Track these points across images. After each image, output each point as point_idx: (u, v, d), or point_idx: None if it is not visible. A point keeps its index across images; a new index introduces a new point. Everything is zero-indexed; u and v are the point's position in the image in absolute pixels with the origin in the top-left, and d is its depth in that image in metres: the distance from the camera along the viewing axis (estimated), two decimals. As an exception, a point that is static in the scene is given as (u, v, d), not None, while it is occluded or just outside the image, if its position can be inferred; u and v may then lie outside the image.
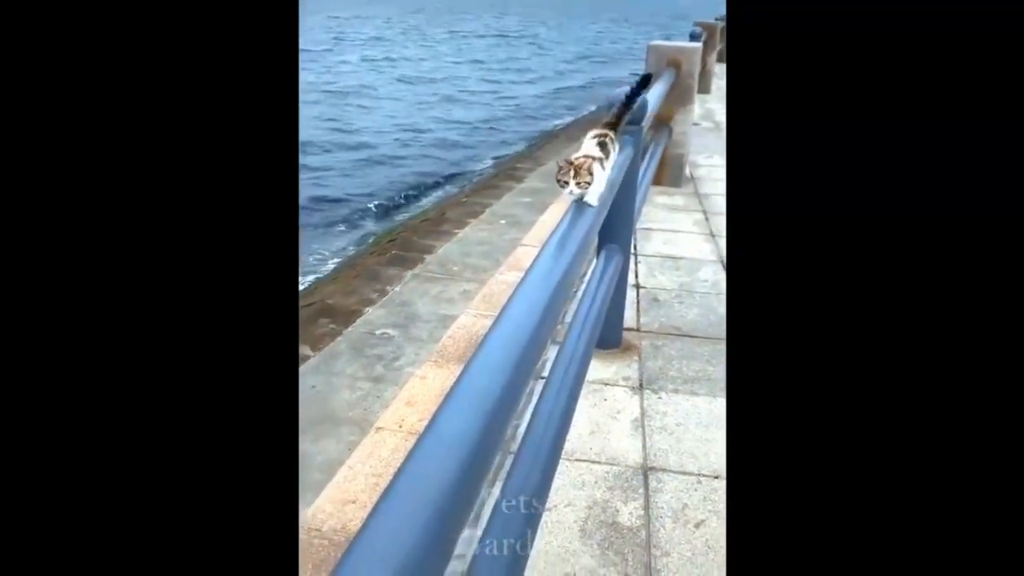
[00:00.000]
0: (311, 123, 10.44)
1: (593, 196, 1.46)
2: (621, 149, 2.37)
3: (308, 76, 14.86)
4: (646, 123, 2.50)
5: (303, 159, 8.30)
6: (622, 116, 1.77)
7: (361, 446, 2.06)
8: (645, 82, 1.82)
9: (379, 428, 2.15)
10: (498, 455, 0.87)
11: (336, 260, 5.41)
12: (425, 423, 2.23)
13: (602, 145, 1.56)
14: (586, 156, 1.47)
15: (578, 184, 1.41)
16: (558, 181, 1.44)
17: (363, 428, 2.22)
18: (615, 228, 2.35)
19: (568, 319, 1.98)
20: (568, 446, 2.00)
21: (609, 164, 1.59)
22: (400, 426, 2.15)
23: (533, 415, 1.42)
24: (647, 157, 3.71)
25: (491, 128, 11.20)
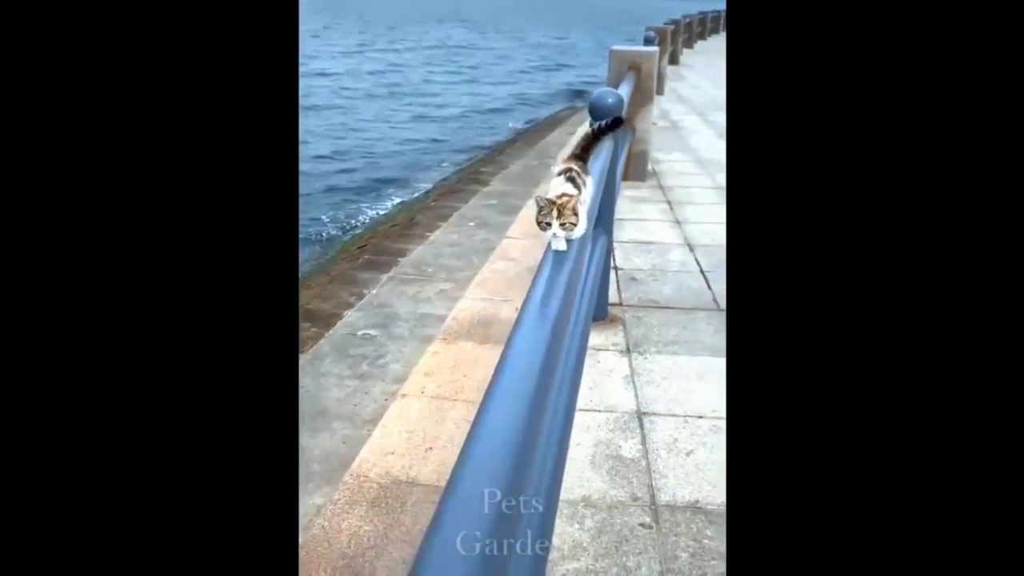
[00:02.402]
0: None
1: (561, 243, 1.33)
2: (597, 155, 2.67)
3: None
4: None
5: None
6: (589, 149, 1.63)
7: (390, 410, 2.33)
8: (616, 124, 1.69)
9: (404, 395, 2.42)
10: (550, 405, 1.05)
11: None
12: (443, 389, 2.61)
13: (571, 181, 1.42)
14: (566, 195, 1.35)
15: (563, 225, 1.30)
16: (539, 223, 1.32)
17: (355, 423, 2.37)
18: (602, 213, 2.68)
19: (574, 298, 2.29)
20: (572, 399, 2.31)
21: (585, 201, 1.47)
22: (423, 392, 2.43)
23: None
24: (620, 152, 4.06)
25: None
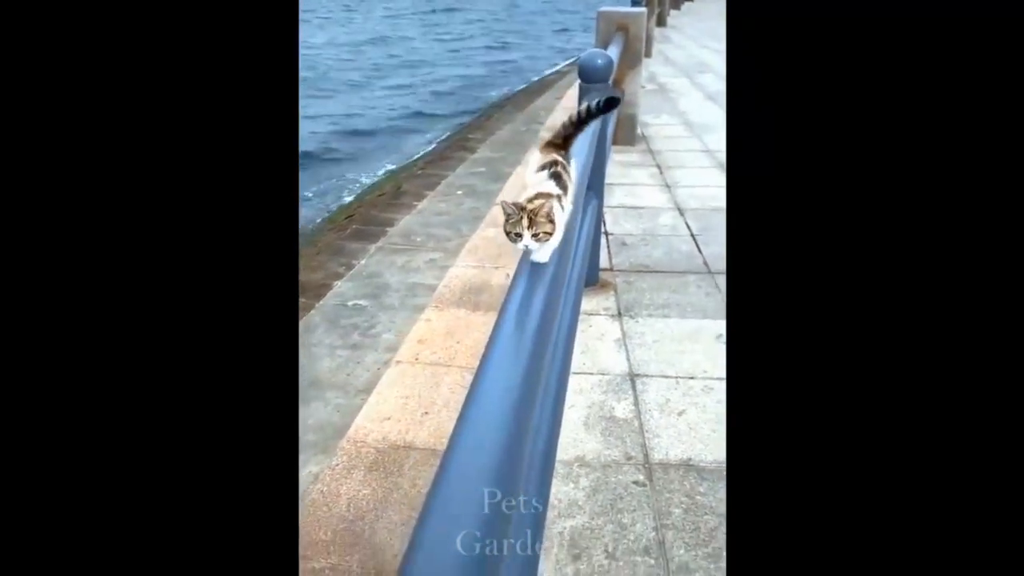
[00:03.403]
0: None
1: (546, 252, 1.10)
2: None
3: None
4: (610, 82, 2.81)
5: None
6: (572, 137, 1.36)
7: (385, 376, 2.34)
8: (611, 105, 1.37)
9: (398, 362, 2.43)
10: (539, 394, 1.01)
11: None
12: (436, 356, 2.60)
13: (556, 177, 1.19)
14: (541, 195, 1.11)
15: (535, 236, 1.06)
16: (507, 233, 1.08)
17: (347, 392, 2.38)
18: (593, 177, 2.67)
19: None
20: (565, 363, 2.33)
21: (569, 200, 1.23)
22: (416, 359, 2.44)
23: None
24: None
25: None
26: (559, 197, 1.14)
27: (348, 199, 6.59)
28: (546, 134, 1.38)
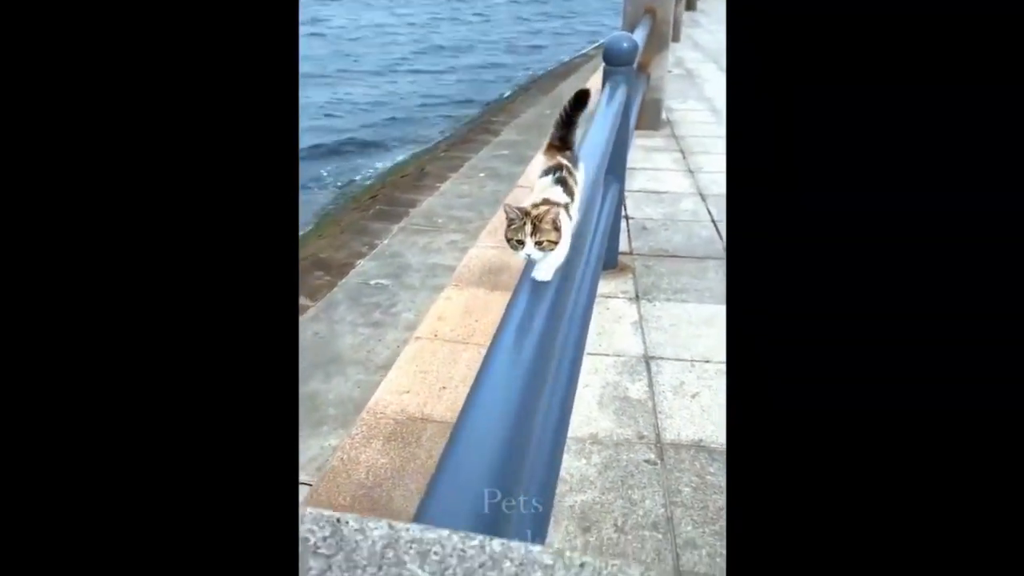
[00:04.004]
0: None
1: (548, 268, 1.03)
2: (611, 101, 2.65)
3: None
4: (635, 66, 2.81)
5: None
6: (568, 139, 1.28)
7: (405, 351, 2.40)
8: (579, 101, 1.30)
9: (417, 337, 2.49)
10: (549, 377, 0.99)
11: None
12: (455, 333, 2.63)
13: (562, 182, 1.12)
14: (547, 202, 1.04)
15: (539, 245, 0.99)
16: (508, 240, 1.01)
17: (368, 368, 2.45)
18: (614, 161, 2.68)
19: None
20: (581, 343, 2.37)
21: (576, 208, 1.15)
22: (435, 335, 2.49)
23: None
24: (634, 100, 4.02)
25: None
26: (567, 206, 1.06)
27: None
28: (552, 131, 1.31)
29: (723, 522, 1.65)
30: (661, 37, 4.78)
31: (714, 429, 1.99)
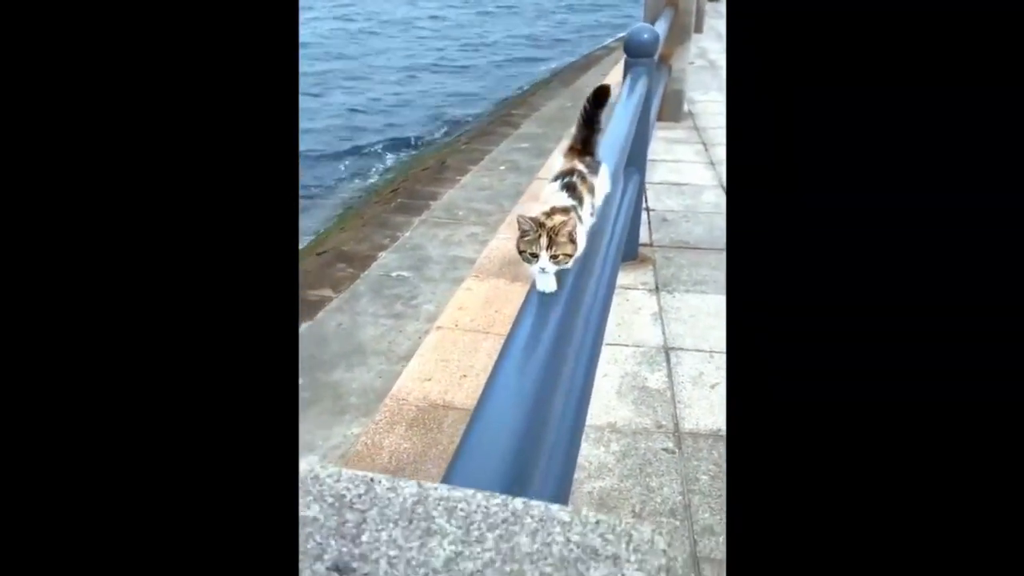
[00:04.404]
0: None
1: (550, 281, 0.96)
2: (631, 93, 2.64)
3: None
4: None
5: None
6: (589, 141, 1.24)
7: (427, 340, 2.44)
8: (599, 97, 1.25)
9: (439, 327, 2.53)
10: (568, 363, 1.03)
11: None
12: (476, 323, 2.66)
13: (569, 187, 1.07)
14: (558, 210, 0.99)
15: (555, 258, 0.93)
16: (521, 252, 0.96)
17: (390, 359, 2.47)
18: (634, 153, 2.69)
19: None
20: (601, 334, 2.39)
21: (586, 210, 1.09)
22: (457, 325, 2.53)
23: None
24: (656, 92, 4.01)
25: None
26: (573, 208, 1.01)
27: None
28: (566, 140, 1.25)
29: (740, 510, 1.67)
30: (683, 28, 4.76)
31: (733, 419, 2.00)
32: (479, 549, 0.38)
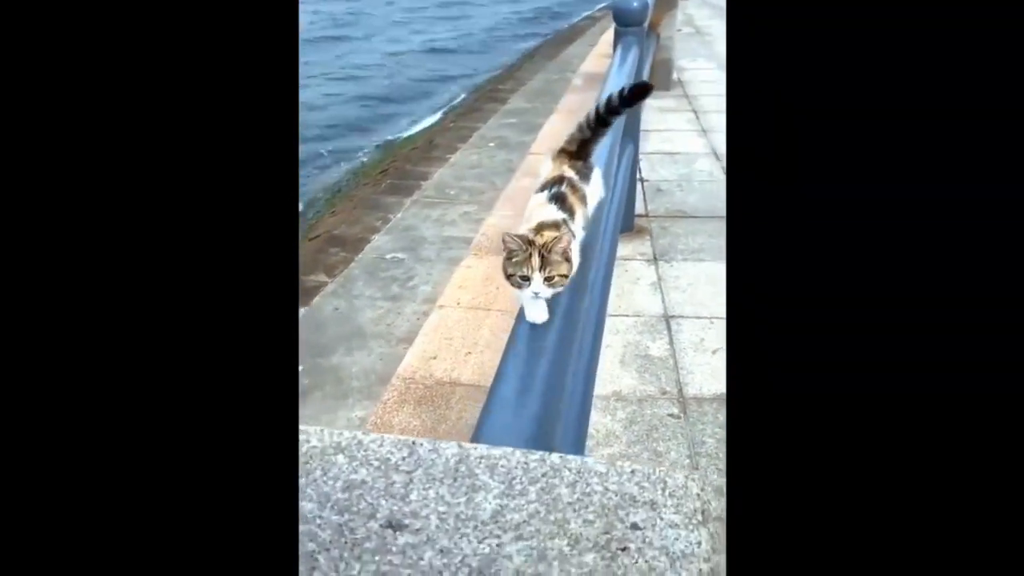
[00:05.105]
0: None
1: (542, 307, 0.85)
2: (623, 62, 2.62)
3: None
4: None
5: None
6: (589, 144, 1.09)
7: (430, 319, 2.46)
8: (638, 95, 1.11)
9: (441, 306, 2.54)
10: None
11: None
12: (477, 300, 2.66)
13: (558, 198, 0.94)
14: (547, 225, 0.88)
15: (549, 281, 0.83)
16: (509, 277, 0.85)
17: (389, 341, 2.48)
18: (628, 123, 2.69)
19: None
20: (601, 305, 2.41)
21: (578, 223, 0.97)
22: (458, 303, 2.55)
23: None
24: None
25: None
26: (564, 222, 0.90)
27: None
28: (559, 141, 1.09)
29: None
30: (670, -5, 4.72)
31: (735, 382, 2.04)
32: (523, 501, 0.40)
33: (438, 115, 7.18)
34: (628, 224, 3.01)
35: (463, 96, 7.51)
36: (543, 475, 0.42)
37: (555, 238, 0.84)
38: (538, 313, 0.85)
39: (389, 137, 6.99)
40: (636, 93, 1.08)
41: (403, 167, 5.17)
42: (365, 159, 6.43)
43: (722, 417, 1.90)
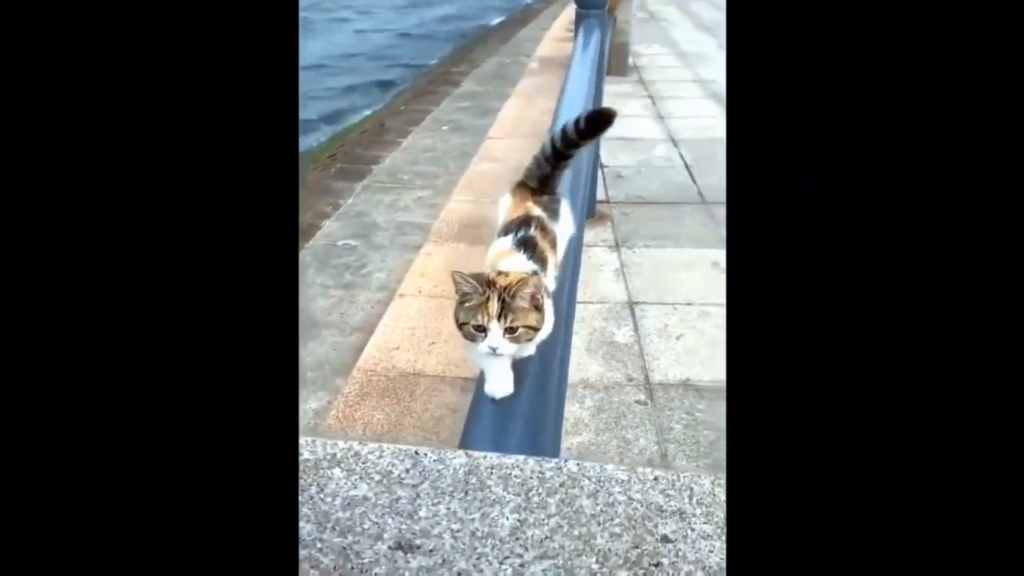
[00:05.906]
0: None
1: (507, 377, 0.69)
2: (586, 47, 2.59)
3: None
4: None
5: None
6: (550, 179, 0.92)
7: (390, 309, 2.40)
8: (597, 124, 0.93)
9: (401, 295, 2.48)
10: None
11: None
12: (438, 289, 2.61)
13: (525, 244, 0.79)
14: (516, 271, 0.73)
15: (511, 333, 0.68)
16: (462, 326, 0.71)
17: (343, 331, 2.40)
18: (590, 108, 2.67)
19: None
20: (566, 292, 2.39)
21: (551, 273, 0.83)
22: (419, 292, 2.49)
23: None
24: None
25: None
26: (537, 274, 0.73)
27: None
28: (528, 164, 0.94)
29: (715, 456, 1.72)
30: (626, -20, 4.71)
31: (700, 369, 2.05)
32: (543, 515, 0.37)
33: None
34: (591, 210, 3.00)
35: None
36: (561, 485, 0.39)
37: (521, 280, 0.68)
38: (499, 381, 0.66)
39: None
40: (594, 123, 0.90)
41: (353, 151, 5.04)
42: (314, 143, 6.24)
43: (688, 403, 1.92)
